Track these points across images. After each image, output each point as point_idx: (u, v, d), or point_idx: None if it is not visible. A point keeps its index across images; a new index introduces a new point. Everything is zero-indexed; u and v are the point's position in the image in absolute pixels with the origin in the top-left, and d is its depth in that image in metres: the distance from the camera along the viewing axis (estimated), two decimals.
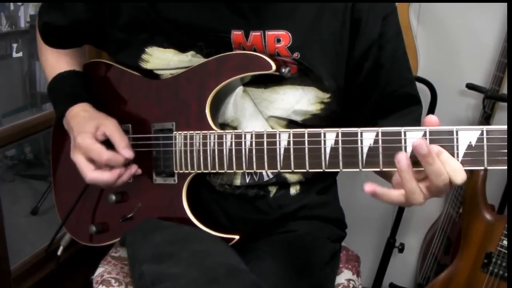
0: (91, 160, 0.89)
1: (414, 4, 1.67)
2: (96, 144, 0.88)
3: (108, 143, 0.91)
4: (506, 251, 1.45)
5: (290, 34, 0.87)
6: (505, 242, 1.45)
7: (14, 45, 2.76)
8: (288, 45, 0.87)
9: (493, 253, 1.48)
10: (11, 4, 2.57)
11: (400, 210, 1.74)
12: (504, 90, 1.54)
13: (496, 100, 1.53)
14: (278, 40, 0.88)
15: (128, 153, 0.89)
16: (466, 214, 1.53)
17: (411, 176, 0.67)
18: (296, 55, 0.88)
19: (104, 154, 0.87)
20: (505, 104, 1.57)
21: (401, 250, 1.80)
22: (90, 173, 0.89)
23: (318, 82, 0.90)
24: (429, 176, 0.67)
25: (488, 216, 1.48)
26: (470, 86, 1.59)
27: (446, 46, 1.71)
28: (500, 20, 1.60)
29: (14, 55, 2.77)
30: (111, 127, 0.91)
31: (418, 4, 1.69)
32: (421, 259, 1.87)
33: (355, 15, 0.87)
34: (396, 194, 0.70)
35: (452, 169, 0.66)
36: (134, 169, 0.93)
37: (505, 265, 1.46)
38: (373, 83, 0.91)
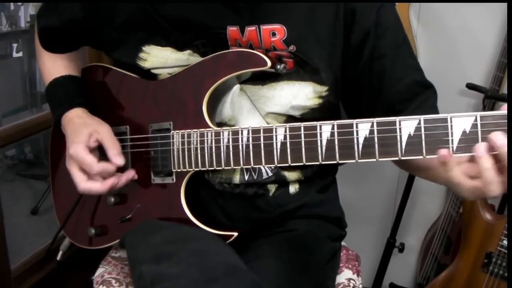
0: (84, 170, 0.90)
1: (414, 4, 1.67)
2: (87, 156, 0.89)
3: (102, 149, 0.92)
4: (506, 251, 1.45)
5: (284, 28, 0.87)
6: (505, 242, 1.45)
7: (14, 45, 2.76)
8: (284, 38, 0.88)
9: (493, 253, 1.48)
10: (11, 4, 2.57)
11: (400, 210, 1.74)
12: (504, 90, 1.54)
13: (496, 100, 1.53)
14: (274, 34, 0.88)
15: (119, 160, 0.91)
16: (466, 214, 1.53)
17: (490, 165, 0.65)
18: (292, 48, 0.88)
19: (94, 167, 0.89)
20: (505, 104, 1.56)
21: (401, 250, 1.80)
22: (83, 184, 0.90)
23: (315, 75, 0.90)
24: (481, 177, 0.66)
25: (488, 216, 1.48)
26: (470, 86, 1.59)
27: (446, 46, 1.71)
28: (500, 20, 1.60)
29: (14, 55, 2.77)
30: (103, 134, 0.93)
31: (418, 4, 1.69)
32: (421, 259, 1.87)
33: (349, 6, 0.87)
34: (470, 184, 0.69)
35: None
36: (127, 175, 0.94)
37: (505, 265, 1.46)
38: (379, 75, 0.90)
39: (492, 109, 1.55)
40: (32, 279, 1.58)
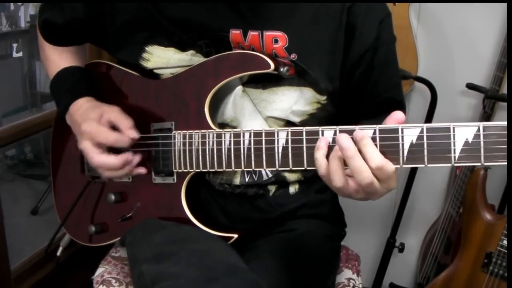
0: (98, 145, 0.90)
1: (414, 4, 1.67)
2: (101, 127, 0.90)
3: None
4: (506, 251, 1.45)
5: (287, 36, 0.87)
6: (505, 242, 1.45)
7: (14, 45, 2.76)
8: (286, 46, 0.88)
9: (493, 253, 1.48)
10: (11, 4, 2.58)
11: (400, 210, 1.74)
12: (504, 90, 1.54)
13: (496, 100, 1.53)
14: (276, 41, 0.88)
15: (133, 133, 0.90)
16: (466, 214, 1.53)
17: (336, 157, 0.71)
18: (294, 56, 0.88)
19: (110, 135, 0.89)
20: (505, 104, 1.57)
21: (401, 250, 1.80)
22: (97, 157, 0.90)
23: (314, 84, 0.90)
24: (351, 171, 0.70)
25: (488, 216, 1.48)
26: (470, 86, 1.59)
27: (446, 46, 1.71)
28: (500, 20, 1.60)
29: (14, 55, 2.77)
30: (114, 113, 0.92)
31: (418, 4, 1.69)
32: (421, 259, 1.87)
33: (351, 19, 0.88)
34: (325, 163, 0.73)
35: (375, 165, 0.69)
36: (137, 157, 0.94)
37: (505, 265, 1.46)
38: (362, 83, 0.92)
39: (492, 109, 1.55)
40: (32, 279, 1.58)
